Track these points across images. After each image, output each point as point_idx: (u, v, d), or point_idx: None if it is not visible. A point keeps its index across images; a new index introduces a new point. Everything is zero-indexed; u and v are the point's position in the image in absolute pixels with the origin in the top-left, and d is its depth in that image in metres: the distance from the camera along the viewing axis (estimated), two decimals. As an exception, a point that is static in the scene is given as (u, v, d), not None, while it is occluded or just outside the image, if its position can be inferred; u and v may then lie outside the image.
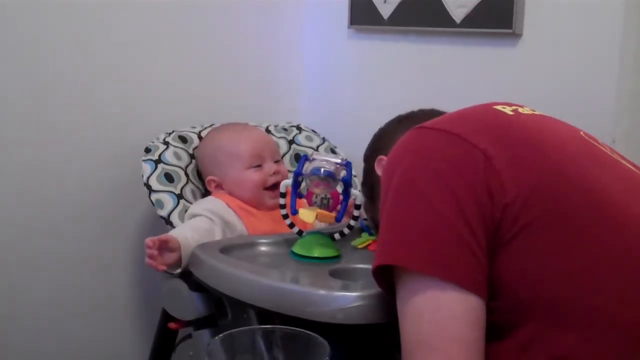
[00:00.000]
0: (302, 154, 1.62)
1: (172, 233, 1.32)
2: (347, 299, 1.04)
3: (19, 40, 1.49)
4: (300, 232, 1.31)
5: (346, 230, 1.30)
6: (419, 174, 0.90)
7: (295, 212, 1.28)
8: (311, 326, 0.87)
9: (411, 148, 0.94)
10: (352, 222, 1.29)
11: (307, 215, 1.26)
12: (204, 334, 1.32)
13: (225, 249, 1.29)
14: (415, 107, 1.31)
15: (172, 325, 1.39)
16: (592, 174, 0.92)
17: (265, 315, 1.15)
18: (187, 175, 1.53)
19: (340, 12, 1.80)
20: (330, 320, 1.03)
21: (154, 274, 1.41)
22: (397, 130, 1.22)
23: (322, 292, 1.06)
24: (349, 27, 1.80)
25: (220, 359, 0.82)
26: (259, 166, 1.48)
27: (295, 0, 1.89)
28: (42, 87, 1.54)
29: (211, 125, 1.65)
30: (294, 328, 0.85)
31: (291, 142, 1.71)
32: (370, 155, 1.29)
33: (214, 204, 1.44)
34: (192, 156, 1.57)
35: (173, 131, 1.59)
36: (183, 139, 1.59)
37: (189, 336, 1.40)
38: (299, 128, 1.75)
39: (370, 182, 1.29)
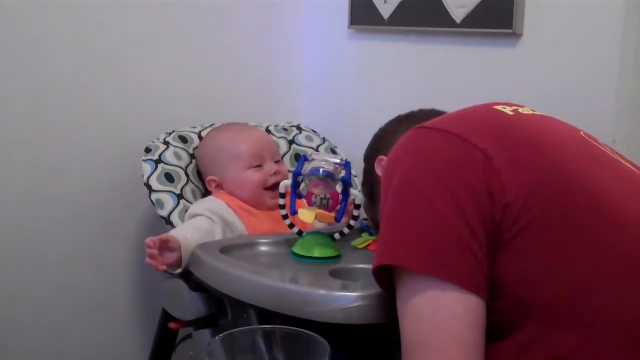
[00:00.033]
0: (302, 154, 1.62)
1: (173, 233, 1.32)
2: (347, 299, 1.04)
3: (19, 40, 1.49)
4: (300, 232, 1.31)
5: (346, 230, 1.30)
6: (419, 174, 0.90)
7: (294, 212, 1.28)
8: (311, 326, 0.87)
9: (411, 148, 0.94)
10: (352, 222, 1.29)
11: (306, 215, 1.26)
12: (204, 333, 1.32)
13: (225, 248, 1.29)
14: (415, 107, 1.31)
15: (172, 325, 1.39)
16: (592, 174, 0.92)
17: (265, 315, 1.15)
18: (187, 175, 1.53)
19: (341, 12, 1.80)
20: (330, 320, 1.03)
21: (154, 274, 1.41)
22: (397, 130, 1.22)
23: (322, 292, 1.06)
24: (349, 27, 1.80)
25: (220, 359, 0.82)
26: (259, 166, 1.48)
27: (295, 0, 1.89)
28: (42, 87, 1.54)
29: (211, 125, 1.65)
30: (294, 328, 0.85)
31: (291, 142, 1.71)
32: (370, 155, 1.29)
33: (214, 203, 1.44)
34: (192, 156, 1.57)
35: (173, 131, 1.59)
36: (183, 139, 1.59)
37: (189, 336, 1.40)
38: (299, 128, 1.75)
39: (370, 182, 1.29)
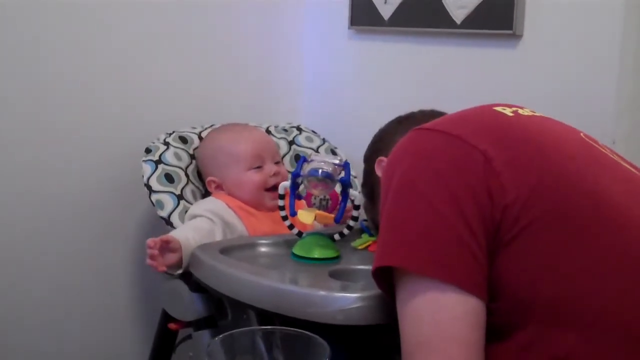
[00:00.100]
0: (302, 155, 1.62)
1: (173, 234, 1.32)
2: (347, 300, 1.04)
3: (19, 40, 1.49)
4: (300, 233, 1.31)
5: (346, 231, 1.30)
6: (419, 175, 0.90)
7: (294, 213, 1.28)
8: (311, 327, 0.87)
9: (411, 149, 0.94)
10: (351, 223, 1.29)
11: (305, 216, 1.26)
12: (204, 334, 1.32)
13: (225, 249, 1.29)
14: (415, 108, 1.31)
15: (172, 325, 1.39)
16: (592, 175, 0.92)
17: (265, 316, 1.15)
18: (187, 175, 1.53)
19: (341, 13, 1.80)
20: (330, 321, 1.03)
21: (154, 275, 1.41)
22: (397, 131, 1.22)
23: (322, 293, 1.06)
24: (349, 28, 1.80)
25: (220, 360, 0.82)
26: (259, 167, 1.48)
27: (295, 0, 1.89)
28: (42, 87, 1.54)
29: (211, 126, 1.65)
30: (293, 329, 0.85)
31: (291, 142, 1.71)
32: (370, 156, 1.29)
33: (214, 204, 1.44)
34: (192, 157, 1.57)
35: (173, 131, 1.59)
36: (183, 140, 1.59)
37: (189, 337, 1.40)
38: (299, 129, 1.75)
39: (370, 183, 1.29)
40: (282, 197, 1.29)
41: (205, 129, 1.64)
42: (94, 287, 1.67)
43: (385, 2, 1.68)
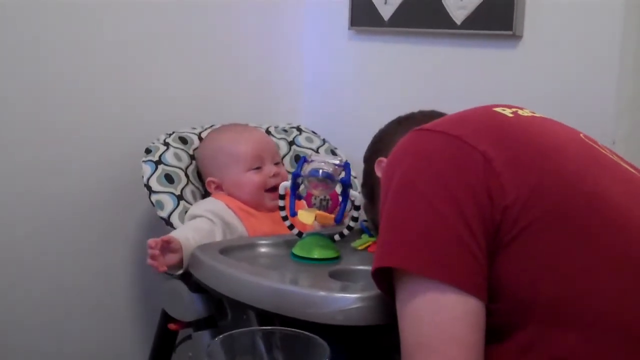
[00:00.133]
0: (302, 155, 1.62)
1: (173, 234, 1.32)
2: (346, 301, 1.04)
3: (19, 40, 1.49)
4: (300, 234, 1.31)
5: (346, 232, 1.30)
6: (419, 175, 0.90)
7: (294, 213, 1.28)
8: (311, 327, 0.87)
9: (411, 150, 0.94)
10: (351, 224, 1.29)
11: (305, 216, 1.26)
12: (204, 335, 1.32)
13: (225, 250, 1.29)
14: (415, 108, 1.31)
15: (172, 326, 1.39)
16: (592, 175, 0.92)
17: (265, 317, 1.15)
18: (187, 176, 1.53)
19: (341, 13, 1.80)
20: (330, 321, 1.03)
21: (154, 275, 1.41)
22: (397, 131, 1.22)
23: (322, 293, 1.06)
24: (349, 28, 1.80)
25: (220, 360, 0.82)
26: (259, 168, 1.48)
27: (295, 0, 1.89)
28: (42, 87, 1.54)
29: (211, 126, 1.65)
30: (293, 329, 0.85)
31: (291, 143, 1.71)
32: (370, 157, 1.29)
33: (214, 205, 1.44)
34: (192, 157, 1.57)
35: (173, 132, 1.59)
36: (183, 140, 1.59)
37: (189, 337, 1.40)
38: (299, 129, 1.75)
39: (370, 184, 1.29)
40: (282, 197, 1.29)
41: (205, 129, 1.64)
42: (94, 287, 1.67)
43: (386, 3, 1.68)
